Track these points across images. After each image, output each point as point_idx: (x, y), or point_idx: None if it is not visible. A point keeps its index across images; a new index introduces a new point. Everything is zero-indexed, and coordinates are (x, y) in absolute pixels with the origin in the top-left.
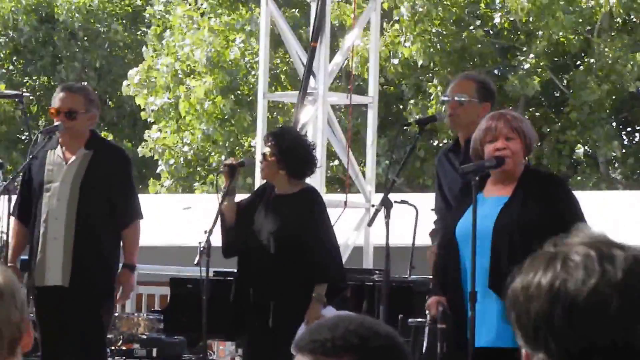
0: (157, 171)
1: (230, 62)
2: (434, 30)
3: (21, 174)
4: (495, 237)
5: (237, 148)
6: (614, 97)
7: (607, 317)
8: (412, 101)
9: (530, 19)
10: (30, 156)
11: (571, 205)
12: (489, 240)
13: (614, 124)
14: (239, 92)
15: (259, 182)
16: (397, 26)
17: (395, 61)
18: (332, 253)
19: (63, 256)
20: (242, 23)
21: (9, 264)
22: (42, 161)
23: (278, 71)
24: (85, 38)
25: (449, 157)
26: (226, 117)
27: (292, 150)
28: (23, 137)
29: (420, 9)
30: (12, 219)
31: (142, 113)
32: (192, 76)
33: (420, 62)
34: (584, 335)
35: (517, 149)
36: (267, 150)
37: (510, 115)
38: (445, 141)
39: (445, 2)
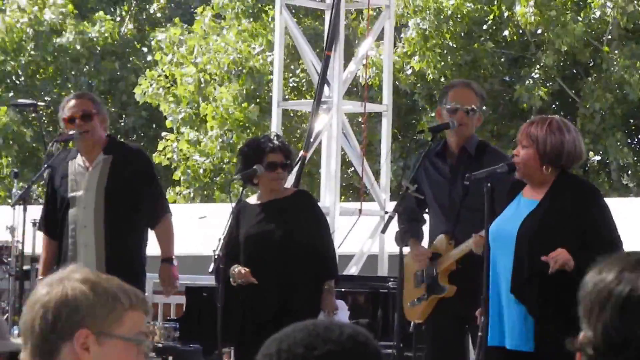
0: (175, 179)
1: (252, 69)
2: (445, 42)
3: (46, 187)
4: (518, 242)
5: None
6: (623, 105)
7: None
8: (427, 112)
9: (539, 31)
10: (45, 165)
11: (604, 215)
12: (513, 243)
13: (626, 131)
14: (260, 99)
15: None
16: (405, 43)
17: (409, 71)
18: (333, 251)
19: (96, 263)
20: (264, 30)
21: (40, 278)
22: (64, 172)
23: (297, 80)
24: (88, 66)
25: (435, 163)
26: (247, 125)
27: (293, 158)
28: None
29: (429, 26)
30: (40, 233)
31: (168, 122)
32: (215, 81)
33: (431, 76)
34: (627, 327)
35: (525, 157)
36: (282, 160)
37: (539, 122)
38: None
39: (455, 16)
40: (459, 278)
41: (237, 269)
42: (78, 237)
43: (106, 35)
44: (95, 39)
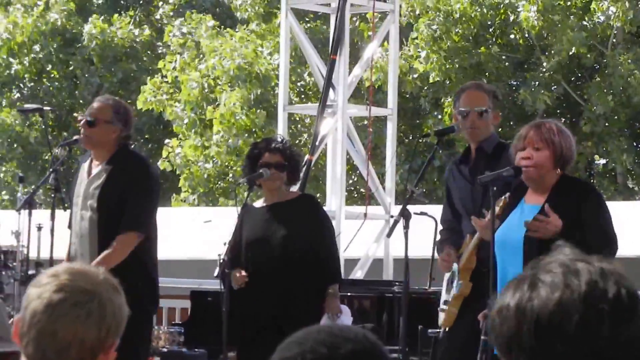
0: (179, 185)
1: (258, 74)
2: (450, 45)
3: (52, 188)
4: (525, 248)
5: None
6: (628, 109)
7: (571, 328)
8: (433, 113)
9: (544, 35)
10: (51, 170)
11: (599, 214)
12: (521, 249)
13: (630, 135)
14: (266, 104)
15: None
16: (411, 46)
17: (415, 75)
18: (337, 255)
19: None
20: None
21: None
22: (77, 174)
23: (304, 84)
24: (101, 63)
25: (460, 169)
26: (253, 130)
27: (296, 160)
28: (42, 157)
29: (439, 28)
30: (46, 238)
31: (175, 126)
32: (219, 87)
33: (436, 79)
34: (550, 349)
35: (541, 160)
36: (280, 160)
37: (546, 125)
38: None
39: (463, 19)
40: (480, 279)
41: (234, 273)
42: (77, 246)
43: (122, 37)
44: (113, 39)
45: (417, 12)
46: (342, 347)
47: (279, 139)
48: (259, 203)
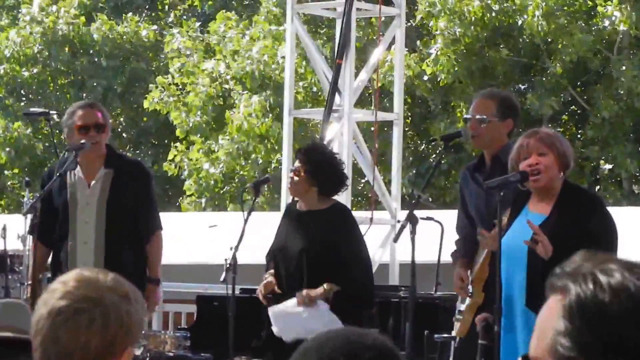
0: (183, 188)
1: (273, 81)
2: (464, 47)
3: (42, 193)
4: (530, 256)
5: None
6: (632, 113)
7: None
8: (443, 117)
9: (549, 39)
10: (58, 174)
11: (605, 229)
12: (525, 258)
13: (634, 140)
14: (280, 111)
15: (285, 197)
16: (423, 47)
17: (425, 77)
18: (366, 269)
19: None
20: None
21: (29, 282)
22: (62, 182)
23: (315, 90)
24: (109, 62)
25: (474, 176)
26: (264, 136)
27: (324, 167)
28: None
29: (459, 30)
30: (31, 238)
31: (178, 131)
32: (231, 87)
33: (445, 81)
34: None
35: (549, 164)
36: (298, 165)
37: (544, 132)
38: (472, 154)
39: (477, 22)
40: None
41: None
42: (78, 252)
43: (131, 34)
44: (122, 37)
45: (436, 10)
46: (361, 355)
47: (310, 145)
48: (299, 206)
